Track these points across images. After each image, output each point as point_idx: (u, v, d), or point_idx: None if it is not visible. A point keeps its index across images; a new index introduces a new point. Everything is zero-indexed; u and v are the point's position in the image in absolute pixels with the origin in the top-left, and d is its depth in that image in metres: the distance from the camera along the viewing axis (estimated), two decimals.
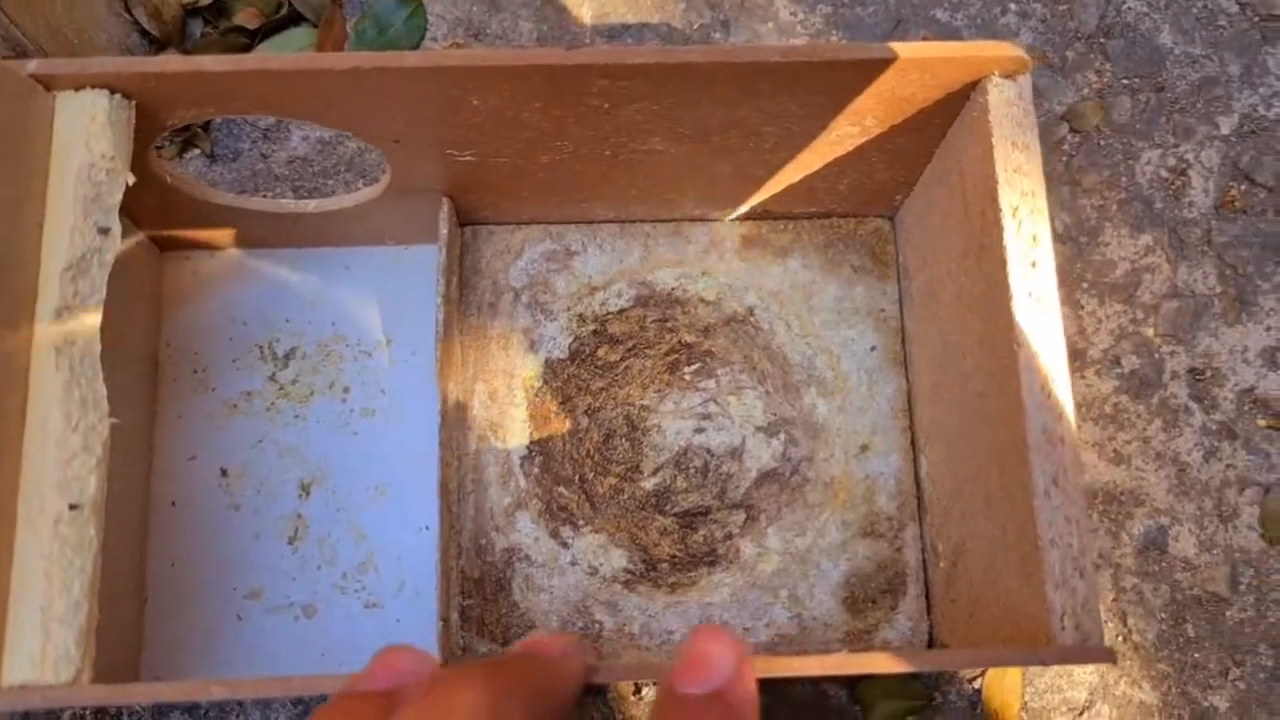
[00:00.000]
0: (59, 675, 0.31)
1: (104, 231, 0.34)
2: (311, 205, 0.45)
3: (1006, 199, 0.35)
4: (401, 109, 0.37)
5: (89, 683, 0.31)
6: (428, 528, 0.46)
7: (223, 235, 0.47)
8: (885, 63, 0.35)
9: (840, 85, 0.37)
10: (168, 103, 0.36)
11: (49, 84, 0.35)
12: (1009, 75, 0.36)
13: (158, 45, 0.50)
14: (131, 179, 0.35)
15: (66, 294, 0.34)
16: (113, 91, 0.35)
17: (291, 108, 0.37)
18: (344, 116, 0.38)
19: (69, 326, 0.33)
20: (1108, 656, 0.31)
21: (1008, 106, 0.36)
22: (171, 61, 0.34)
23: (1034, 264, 0.34)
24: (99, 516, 0.33)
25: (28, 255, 0.34)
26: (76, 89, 0.35)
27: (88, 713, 0.46)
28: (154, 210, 0.44)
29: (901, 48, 0.35)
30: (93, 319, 0.34)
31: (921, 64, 0.35)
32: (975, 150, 0.37)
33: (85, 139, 0.35)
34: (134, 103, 0.36)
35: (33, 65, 0.34)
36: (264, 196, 0.49)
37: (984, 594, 0.38)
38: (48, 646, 0.31)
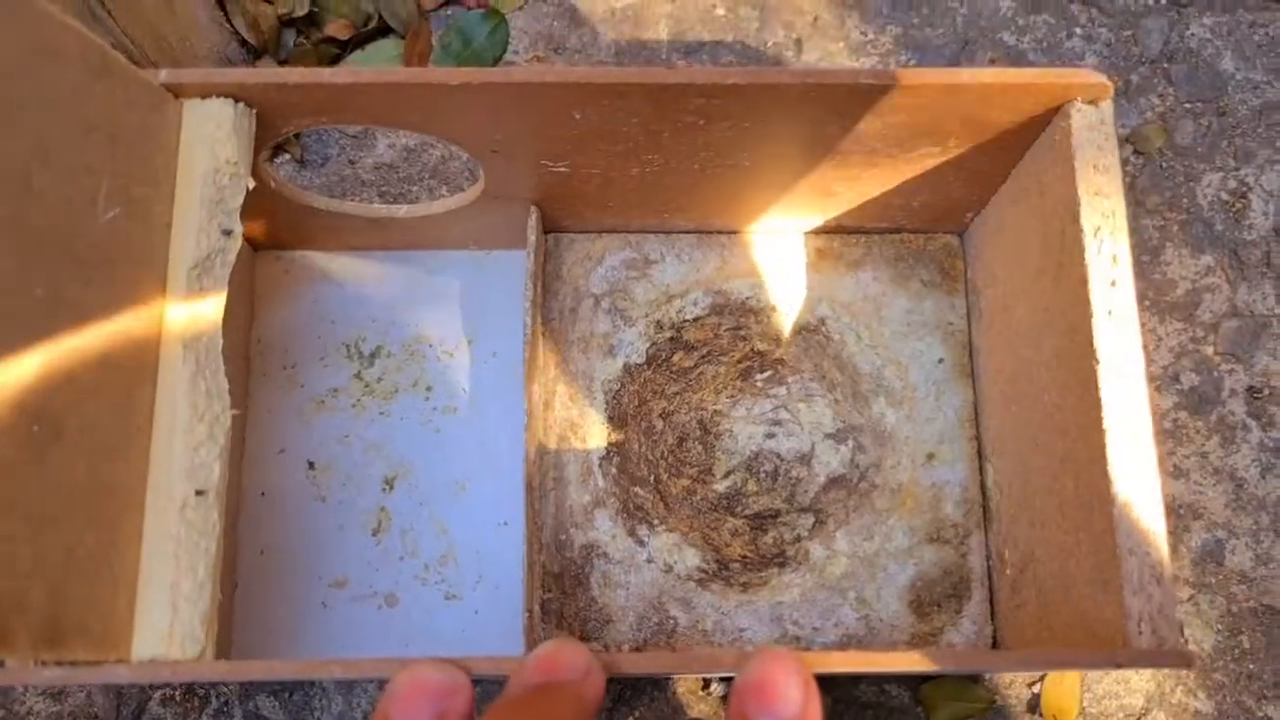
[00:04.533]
0: (186, 651, 0.33)
1: (227, 233, 0.36)
2: (402, 210, 0.47)
3: (1088, 220, 0.36)
4: (504, 121, 0.39)
5: (212, 659, 0.33)
6: (506, 523, 0.48)
7: (313, 237, 0.49)
8: (972, 88, 0.37)
9: (926, 108, 0.38)
10: (286, 111, 0.38)
11: (178, 92, 0.37)
12: (1091, 101, 0.37)
13: (255, 54, 0.52)
14: (252, 184, 0.37)
15: (193, 291, 0.36)
16: (236, 100, 0.37)
17: (399, 118, 0.39)
18: (448, 127, 0.40)
19: (195, 322, 0.35)
20: (1185, 661, 0.32)
21: (1090, 131, 0.37)
22: (293, 73, 0.36)
23: (1114, 283, 0.36)
24: (222, 502, 0.34)
25: (157, 254, 0.35)
26: (203, 97, 0.37)
27: (177, 692, 0.47)
28: (252, 211, 0.46)
29: (987, 73, 0.37)
30: (216, 315, 0.36)
31: (1007, 89, 0.37)
32: (1057, 171, 0.38)
33: (211, 145, 0.37)
34: (255, 111, 0.38)
35: (164, 74, 0.36)
36: (352, 201, 0.51)
37: (1054, 599, 0.39)
38: (175, 624, 0.33)
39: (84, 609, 0.31)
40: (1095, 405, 0.35)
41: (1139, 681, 0.48)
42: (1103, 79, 0.37)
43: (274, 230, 0.48)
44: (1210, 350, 0.51)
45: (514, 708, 0.27)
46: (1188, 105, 0.54)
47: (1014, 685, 0.48)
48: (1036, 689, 0.48)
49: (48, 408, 0.30)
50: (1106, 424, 0.35)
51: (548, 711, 0.27)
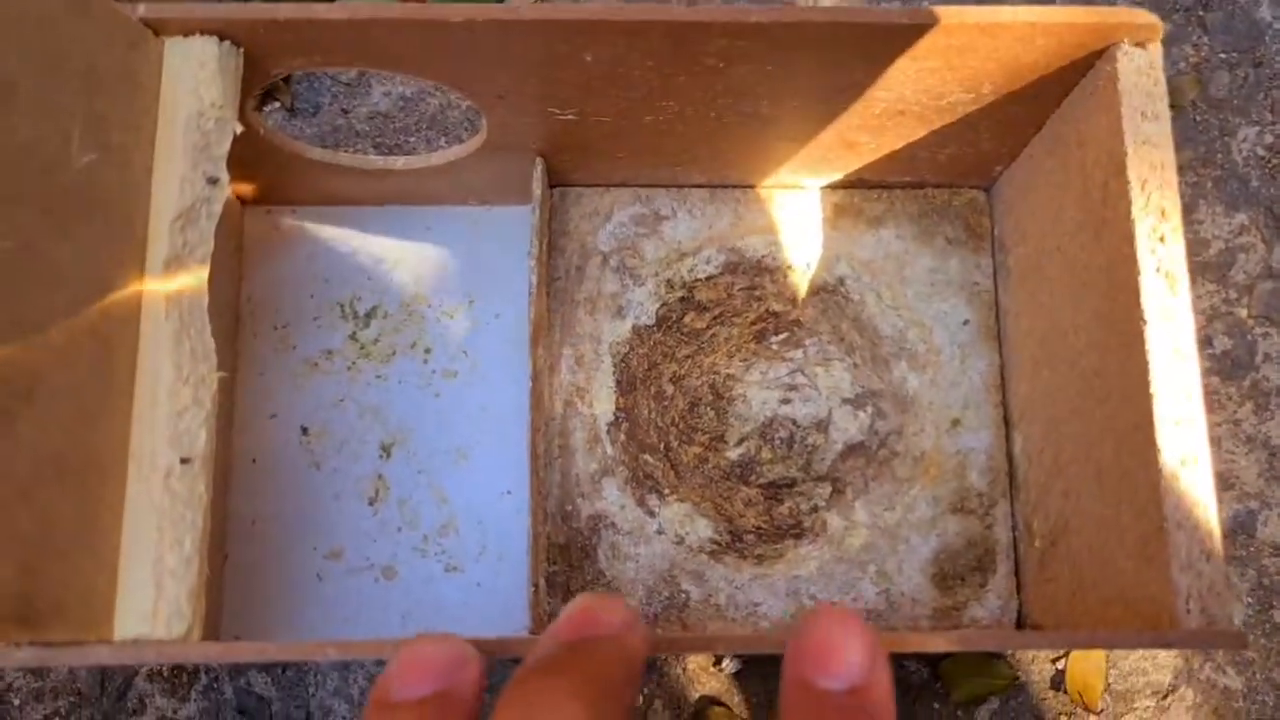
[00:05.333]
0: (171, 630, 0.30)
1: (213, 181, 0.34)
2: (400, 162, 0.44)
3: (1135, 171, 0.34)
4: (510, 63, 0.36)
5: (199, 639, 0.31)
6: (509, 492, 0.45)
7: (305, 190, 0.46)
8: (1013, 28, 0.34)
9: (962, 50, 0.36)
10: (276, 51, 0.35)
11: (158, 29, 0.34)
12: (1139, 43, 0.35)
13: None
14: (239, 128, 0.35)
15: (176, 244, 0.33)
16: (222, 38, 0.34)
17: (399, 60, 0.37)
18: (450, 70, 0.37)
19: (178, 277, 0.33)
20: (1238, 641, 0.30)
21: (1138, 75, 0.35)
22: (284, 8, 0.34)
23: (1163, 238, 0.34)
24: (209, 470, 0.32)
25: (137, 204, 0.33)
26: (185, 35, 0.34)
27: (165, 667, 0.45)
28: (240, 163, 0.43)
29: (1029, 11, 0.34)
30: (201, 270, 0.33)
31: (1050, 30, 0.34)
32: (1100, 120, 0.36)
33: (195, 86, 0.34)
34: (242, 50, 0.35)
35: (143, 9, 0.33)
36: (346, 152, 0.48)
37: (1090, 574, 0.37)
38: (160, 602, 0.31)
39: (60, 586, 0.29)
40: (1141, 369, 0.33)
41: (1166, 658, 0.46)
42: (1153, 19, 0.34)
43: (263, 184, 0.46)
44: (1244, 313, 0.49)
45: (549, 668, 0.22)
46: (1223, 55, 0.51)
47: (1037, 661, 0.46)
48: (1060, 665, 0.46)
49: (17, 369, 0.28)
50: (1154, 389, 0.32)
51: (590, 669, 0.23)
